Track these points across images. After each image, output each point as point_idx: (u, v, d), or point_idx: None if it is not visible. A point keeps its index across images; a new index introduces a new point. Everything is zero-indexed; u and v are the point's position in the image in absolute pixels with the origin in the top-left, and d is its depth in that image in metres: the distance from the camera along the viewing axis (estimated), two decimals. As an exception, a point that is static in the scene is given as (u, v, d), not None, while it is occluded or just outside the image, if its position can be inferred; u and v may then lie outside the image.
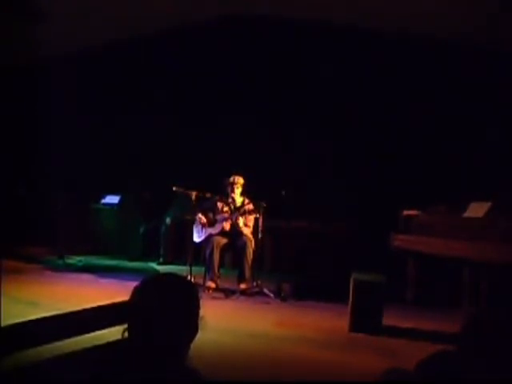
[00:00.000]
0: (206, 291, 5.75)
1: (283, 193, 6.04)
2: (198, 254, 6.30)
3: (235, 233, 6.03)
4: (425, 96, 7.49)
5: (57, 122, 8.09)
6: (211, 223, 6.16)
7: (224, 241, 6.06)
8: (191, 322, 1.49)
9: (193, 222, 6.21)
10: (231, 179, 6.18)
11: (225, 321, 4.64)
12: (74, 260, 7.36)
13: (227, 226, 6.05)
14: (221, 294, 5.74)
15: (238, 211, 6.10)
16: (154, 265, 7.61)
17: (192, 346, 1.50)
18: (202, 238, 6.15)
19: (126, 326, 1.48)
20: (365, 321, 4.53)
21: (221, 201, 6.25)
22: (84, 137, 8.44)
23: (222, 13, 8.23)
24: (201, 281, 5.87)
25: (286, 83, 8.23)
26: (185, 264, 6.27)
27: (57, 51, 8.39)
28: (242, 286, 5.89)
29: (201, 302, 1.54)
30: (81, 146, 8.41)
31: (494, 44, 6.81)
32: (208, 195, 6.16)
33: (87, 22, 7.70)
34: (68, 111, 8.25)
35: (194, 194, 6.00)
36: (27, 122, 8.37)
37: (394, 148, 7.59)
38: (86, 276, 6.46)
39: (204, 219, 6.17)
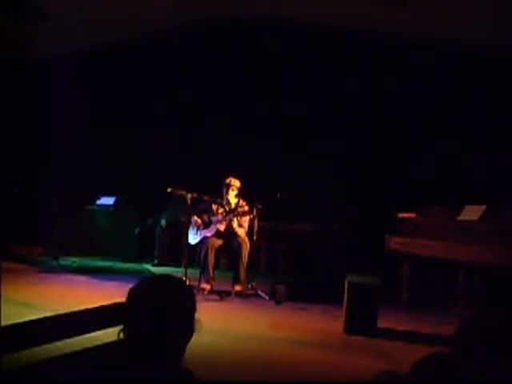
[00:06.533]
0: (201, 293, 5.73)
1: (278, 195, 6.03)
2: (193, 256, 6.29)
3: (230, 234, 6.03)
4: (421, 97, 7.52)
5: (54, 123, 8.07)
6: (206, 225, 6.16)
7: (219, 242, 6.05)
8: (187, 324, 1.49)
9: (188, 223, 6.20)
10: (227, 180, 6.18)
11: (219, 323, 4.62)
12: (68, 261, 7.33)
13: (222, 227, 6.04)
14: (216, 296, 5.74)
15: (233, 212, 6.09)
16: (148, 266, 7.59)
17: (187, 347, 1.50)
18: (197, 240, 6.14)
19: (121, 327, 1.48)
20: (360, 323, 4.53)
21: (215, 202, 6.24)
22: (81, 137, 8.40)
23: (222, 12, 8.23)
24: (195, 283, 5.85)
25: (285, 84, 8.23)
26: (179, 266, 6.26)
27: (57, 51, 8.37)
28: (237, 287, 5.88)
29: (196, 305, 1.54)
30: (77, 146, 8.38)
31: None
32: (203, 197, 6.16)
33: (87, 22, 7.68)
34: (66, 112, 8.22)
35: (189, 196, 6.00)
36: (24, 122, 8.33)
37: (391, 150, 7.61)
38: (80, 277, 6.44)
39: (199, 221, 6.16)
